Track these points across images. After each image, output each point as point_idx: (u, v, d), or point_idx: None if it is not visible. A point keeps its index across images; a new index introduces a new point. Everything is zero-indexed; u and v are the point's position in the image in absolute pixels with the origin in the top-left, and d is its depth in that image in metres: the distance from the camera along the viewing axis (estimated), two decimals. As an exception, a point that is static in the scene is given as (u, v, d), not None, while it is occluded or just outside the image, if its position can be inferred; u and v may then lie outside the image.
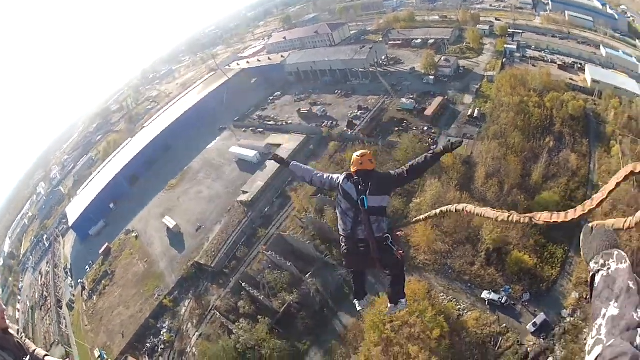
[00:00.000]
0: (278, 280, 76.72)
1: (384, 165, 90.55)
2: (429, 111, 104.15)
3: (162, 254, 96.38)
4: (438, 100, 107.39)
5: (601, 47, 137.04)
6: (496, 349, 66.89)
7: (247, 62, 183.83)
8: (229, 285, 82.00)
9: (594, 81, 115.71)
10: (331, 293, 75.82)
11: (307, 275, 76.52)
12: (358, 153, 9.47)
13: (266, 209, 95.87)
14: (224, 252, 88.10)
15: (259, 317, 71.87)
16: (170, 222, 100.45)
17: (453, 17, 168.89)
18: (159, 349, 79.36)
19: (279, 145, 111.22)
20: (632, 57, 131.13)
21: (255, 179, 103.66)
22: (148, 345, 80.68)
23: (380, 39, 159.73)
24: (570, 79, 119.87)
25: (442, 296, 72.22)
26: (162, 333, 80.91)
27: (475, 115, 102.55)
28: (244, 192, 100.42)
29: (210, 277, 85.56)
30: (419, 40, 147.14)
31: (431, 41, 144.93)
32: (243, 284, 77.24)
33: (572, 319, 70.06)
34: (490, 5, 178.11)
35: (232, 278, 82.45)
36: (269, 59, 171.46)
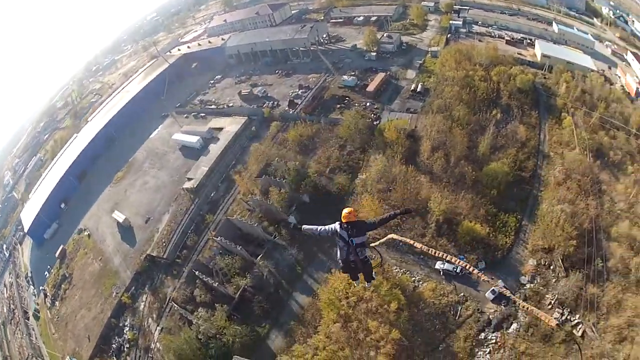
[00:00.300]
0: (230, 265, 74.39)
1: (326, 142, 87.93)
2: (371, 87, 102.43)
3: (115, 250, 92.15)
4: (380, 76, 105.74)
5: (553, 23, 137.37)
6: (456, 318, 66.56)
7: (188, 47, 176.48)
8: (182, 275, 79.38)
9: (544, 56, 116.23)
10: (284, 274, 74.08)
11: (259, 258, 74.58)
12: (346, 210, 14.91)
13: (212, 194, 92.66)
14: (175, 242, 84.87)
15: (216, 304, 69.64)
16: (119, 216, 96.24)
17: None
18: (125, 349, 76.57)
19: (221, 129, 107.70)
20: (587, 34, 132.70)
21: (199, 164, 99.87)
22: (114, 345, 77.76)
23: (322, 18, 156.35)
24: (519, 53, 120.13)
25: (396, 269, 70.97)
26: (125, 332, 78.08)
27: (418, 89, 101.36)
28: (189, 179, 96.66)
29: (164, 269, 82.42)
30: (361, 18, 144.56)
31: (374, 18, 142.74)
32: (196, 273, 74.69)
33: (532, 285, 70.46)
34: None
35: (185, 267, 79.87)
36: (210, 42, 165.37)
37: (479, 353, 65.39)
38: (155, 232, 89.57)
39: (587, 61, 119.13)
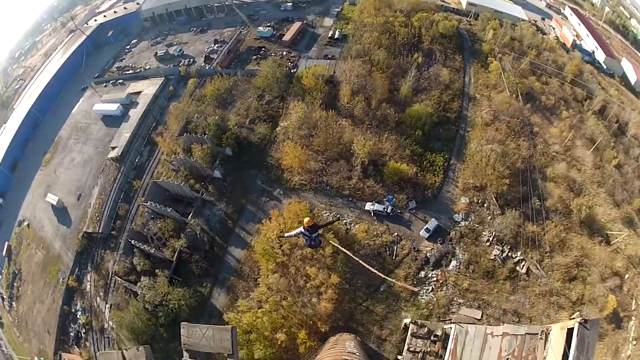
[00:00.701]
0: (163, 228, 69.07)
1: (244, 93, 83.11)
2: (287, 36, 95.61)
3: (54, 235, 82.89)
4: (296, 25, 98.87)
5: None
6: (393, 257, 63.78)
7: (104, 16, 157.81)
8: (120, 246, 73.20)
9: (469, 4, 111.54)
10: (216, 230, 69.38)
11: (189, 217, 69.27)
12: (306, 219, 24.12)
13: (137, 160, 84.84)
14: (107, 214, 77.44)
15: (156, 271, 64.91)
16: (52, 198, 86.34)
17: None
18: (82, 334, 69.89)
19: (139, 93, 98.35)
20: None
21: (121, 132, 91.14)
22: (72, 334, 70.71)
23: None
24: (443, 0, 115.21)
25: (326, 213, 66.83)
26: (78, 317, 71.16)
27: (336, 36, 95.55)
28: (113, 148, 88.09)
29: (102, 244, 75.52)
30: None
31: None
32: (132, 242, 69.24)
33: (466, 223, 68.33)
34: None
35: (121, 238, 73.61)
36: (125, 8, 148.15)
37: (422, 291, 63.01)
38: (88, 208, 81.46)
39: (517, 11, 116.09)
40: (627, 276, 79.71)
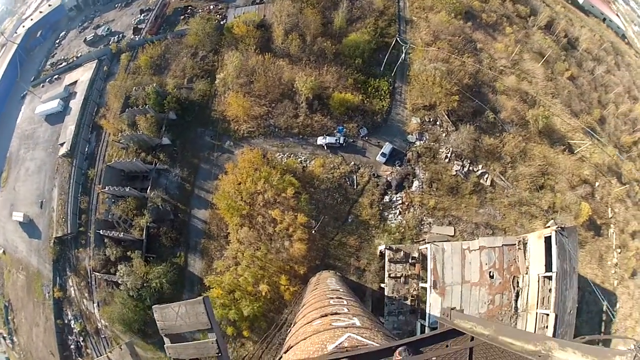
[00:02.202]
0: (126, 209, 69.26)
1: (177, 55, 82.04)
2: None
3: (29, 252, 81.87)
4: None
5: None
6: (355, 187, 64.40)
7: (31, 20, 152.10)
8: (90, 240, 72.77)
9: None
10: (176, 196, 69.49)
11: (148, 191, 69.11)
12: None
13: (86, 149, 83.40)
14: (71, 212, 76.74)
15: (129, 254, 65.20)
16: (18, 216, 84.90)
17: None
18: (81, 343, 70.31)
19: (75, 82, 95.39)
20: None
21: (66, 125, 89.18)
22: (72, 347, 70.86)
23: None
24: None
25: (279, 155, 67.14)
26: (73, 326, 71.30)
27: None
28: (62, 144, 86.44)
29: (73, 243, 74.95)
30: None
31: None
32: (101, 232, 68.78)
33: (422, 142, 68.85)
34: None
35: (90, 232, 73.20)
36: (50, 5, 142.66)
37: (390, 216, 64.10)
38: (52, 212, 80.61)
39: None
40: (597, 184, 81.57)
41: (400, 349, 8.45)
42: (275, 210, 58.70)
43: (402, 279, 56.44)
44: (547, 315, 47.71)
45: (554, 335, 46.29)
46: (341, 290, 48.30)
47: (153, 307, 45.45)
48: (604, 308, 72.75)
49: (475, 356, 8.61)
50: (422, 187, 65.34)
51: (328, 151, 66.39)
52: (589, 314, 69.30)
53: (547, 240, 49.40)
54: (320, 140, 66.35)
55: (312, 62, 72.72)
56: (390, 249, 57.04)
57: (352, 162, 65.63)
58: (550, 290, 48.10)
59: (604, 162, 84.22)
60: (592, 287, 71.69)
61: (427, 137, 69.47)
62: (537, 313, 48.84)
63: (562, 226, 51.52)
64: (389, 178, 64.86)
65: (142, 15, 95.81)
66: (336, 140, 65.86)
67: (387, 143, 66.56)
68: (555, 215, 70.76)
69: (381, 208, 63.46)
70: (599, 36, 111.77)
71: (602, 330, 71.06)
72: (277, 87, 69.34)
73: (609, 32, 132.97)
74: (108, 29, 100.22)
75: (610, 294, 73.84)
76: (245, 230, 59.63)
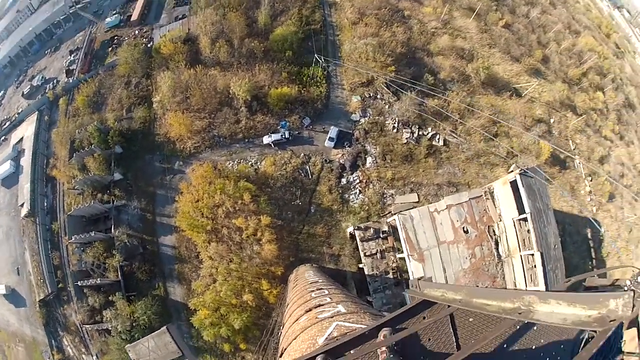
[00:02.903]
0: (96, 254, 68.45)
1: (112, 88, 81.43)
2: (134, 16, 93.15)
3: (20, 322, 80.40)
4: (140, 1, 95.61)
5: None
6: (310, 177, 64.77)
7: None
8: (71, 295, 72.04)
9: None
10: (140, 228, 69.21)
11: (112, 230, 68.62)
12: None
13: (45, 204, 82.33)
14: (47, 271, 76.13)
15: (111, 299, 65.05)
16: (0, 289, 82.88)
17: None
18: None
19: (22, 139, 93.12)
20: None
21: (21, 185, 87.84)
22: None
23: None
24: None
25: (230, 163, 67.23)
26: None
27: None
28: (22, 205, 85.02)
29: (57, 302, 74.15)
30: None
31: None
32: (79, 284, 68.50)
33: (366, 119, 69.34)
34: None
35: (69, 287, 72.39)
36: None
37: (351, 197, 64.54)
38: (30, 276, 79.73)
39: None
40: (552, 120, 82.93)
41: (385, 331, 8.32)
42: (238, 218, 58.61)
43: (379, 255, 57.36)
44: (532, 255, 48.69)
45: (544, 272, 47.86)
46: (320, 280, 48.62)
47: (126, 347, 45.90)
48: (589, 235, 74.37)
49: (458, 321, 8.28)
50: (376, 162, 65.93)
51: (276, 148, 66.61)
52: (575, 244, 70.99)
53: (514, 184, 50.50)
54: (266, 140, 66.55)
55: (244, 64, 72.80)
56: (359, 229, 57.93)
57: (302, 154, 65.94)
58: (528, 231, 49.15)
59: (555, 98, 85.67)
60: (570, 219, 73.25)
61: (371, 113, 70.00)
62: (521, 255, 49.84)
63: (525, 168, 52.54)
64: (341, 161, 65.34)
65: (72, 55, 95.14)
66: (281, 135, 66.14)
67: (332, 127, 67.05)
68: (515, 159, 71.87)
69: (340, 191, 63.98)
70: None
71: (594, 256, 72.79)
72: (214, 96, 69.30)
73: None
74: (42, 77, 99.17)
75: (592, 221, 75.60)
76: (214, 246, 59.64)
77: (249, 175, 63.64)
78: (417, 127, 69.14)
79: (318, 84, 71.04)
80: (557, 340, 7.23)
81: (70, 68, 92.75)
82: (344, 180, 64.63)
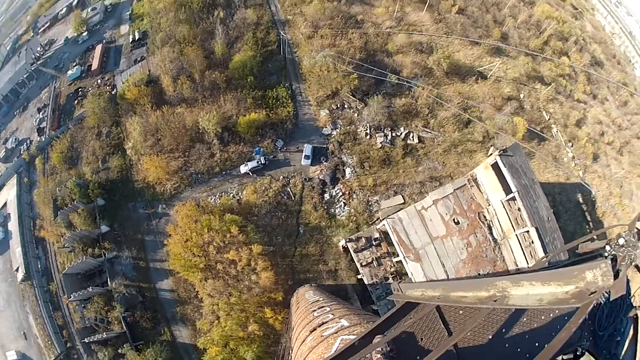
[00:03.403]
0: (97, 309, 67.31)
1: (84, 140, 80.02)
2: (94, 65, 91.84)
3: None
4: (98, 49, 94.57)
5: None
6: (293, 198, 63.93)
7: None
8: (80, 353, 70.07)
9: None
10: (135, 277, 68.01)
11: (109, 283, 67.57)
12: None
13: (39, 265, 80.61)
14: (52, 332, 74.12)
15: (120, 351, 63.51)
16: (11, 355, 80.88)
17: None
18: None
19: (5, 204, 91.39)
20: None
21: (13, 250, 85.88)
22: None
23: (32, 34, 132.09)
24: None
25: (212, 199, 66.18)
26: None
27: (137, 38, 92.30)
28: (17, 270, 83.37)
29: None
30: (64, 10, 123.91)
31: (75, 2, 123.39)
32: (86, 340, 66.67)
33: (338, 130, 68.88)
34: None
35: (77, 345, 70.49)
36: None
37: (337, 210, 63.82)
38: (37, 339, 77.63)
39: None
40: (522, 95, 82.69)
41: (377, 338, 8.20)
42: (230, 252, 57.58)
43: (375, 263, 56.55)
44: (528, 232, 48.19)
45: (543, 246, 47.46)
46: (321, 299, 48.00)
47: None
48: (581, 199, 74.14)
49: (448, 315, 8.28)
50: (356, 171, 65.33)
51: (254, 176, 65.74)
52: (568, 212, 70.83)
53: (495, 166, 49.98)
54: (243, 169, 65.73)
55: (208, 97, 72.07)
56: (350, 240, 57.05)
57: (281, 177, 65.19)
58: (519, 209, 48.66)
59: (521, 73, 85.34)
60: (559, 188, 72.98)
61: (341, 124, 69.50)
62: (516, 235, 49.36)
63: (503, 148, 51.96)
64: (320, 177, 64.70)
65: (41, 113, 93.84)
66: (257, 162, 65.39)
67: (306, 145, 66.44)
68: (493, 142, 71.51)
69: (326, 207, 63.24)
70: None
71: (589, 219, 72.55)
72: (184, 134, 68.47)
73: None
74: (15, 139, 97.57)
75: (580, 185, 75.34)
76: (210, 283, 58.53)
77: (232, 207, 62.75)
78: (389, 129, 68.54)
79: (284, 104, 70.50)
80: (559, 314, 7.37)
81: (41, 126, 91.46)
82: (327, 196, 63.90)
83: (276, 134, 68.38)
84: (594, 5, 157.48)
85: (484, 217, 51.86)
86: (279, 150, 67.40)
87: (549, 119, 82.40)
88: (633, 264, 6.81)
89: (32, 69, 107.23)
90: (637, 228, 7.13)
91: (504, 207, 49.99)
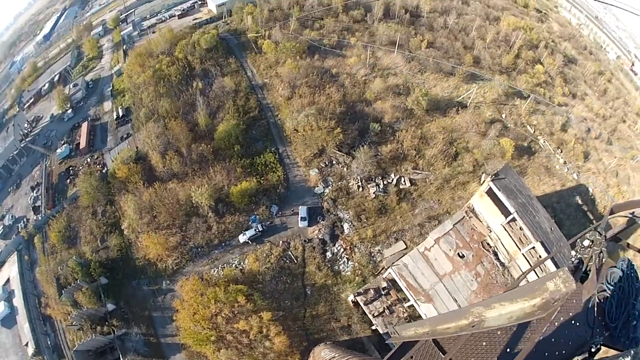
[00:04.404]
0: None
1: (80, 220, 77.04)
2: (82, 143, 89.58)
3: None
4: (84, 127, 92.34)
5: None
6: (295, 261, 61.66)
7: None
8: None
9: (219, 6, 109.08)
10: (147, 352, 64.50)
11: None
12: None
13: (49, 342, 75.91)
14: None
15: None
16: None
17: (70, 40, 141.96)
18: None
19: (8, 280, 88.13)
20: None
21: (21, 325, 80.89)
22: None
23: (18, 109, 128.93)
24: (195, 19, 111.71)
25: (214, 271, 63.40)
26: None
27: (121, 115, 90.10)
28: (27, 345, 78.19)
29: None
30: (47, 86, 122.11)
31: (56, 77, 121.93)
32: None
33: (330, 188, 67.37)
34: (100, 5, 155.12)
35: None
36: None
37: (341, 267, 61.76)
38: None
39: None
40: (504, 115, 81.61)
41: None
42: (240, 322, 55.24)
43: (387, 311, 54.96)
44: (534, 247, 46.66)
45: (552, 259, 45.74)
46: (337, 355, 46.39)
47: None
48: (579, 201, 73.09)
49: (446, 346, 8.71)
50: (354, 225, 63.66)
51: (254, 244, 63.66)
52: (570, 217, 69.81)
53: (490, 192, 48.51)
54: (242, 238, 63.74)
55: (197, 170, 70.38)
56: (359, 294, 55.61)
57: (280, 242, 63.22)
58: (520, 228, 47.26)
59: (499, 93, 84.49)
60: (556, 197, 72.01)
61: (332, 180, 68.13)
62: (523, 254, 47.96)
63: (494, 173, 50.60)
64: (319, 236, 62.97)
65: (34, 192, 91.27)
66: (255, 230, 63.53)
67: (300, 207, 64.99)
68: (483, 168, 70.25)
69: (329, 265, 61.25)
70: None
71: (592, 217, 71.91)
72: (179, 209, 66.32)
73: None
74: (12, 216, 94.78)
75: (579, 187, 74.76)
76: (224, 353, 55.69)
77: (236, 277, 60.57)
78: (380, 178, 67.31)
79: (274, 169, 69.24)
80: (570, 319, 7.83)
81: (36, 205, 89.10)
82: (329, 254, 61.91)
83: (270, 200, 66.69)
84: (557, 2, 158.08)
85: (488, 244, 50.59)
86: (274, 215, 65.66)
87: (534, 132, 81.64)
88: (604, 259, 7.53)
89: (22, 145, 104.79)
90: (599, 230, 7.69)
91: (505, 230, 48.73)
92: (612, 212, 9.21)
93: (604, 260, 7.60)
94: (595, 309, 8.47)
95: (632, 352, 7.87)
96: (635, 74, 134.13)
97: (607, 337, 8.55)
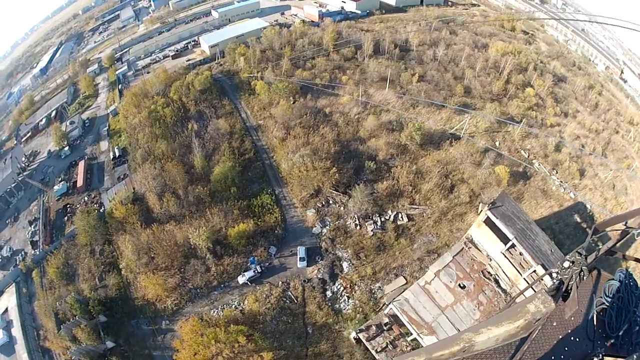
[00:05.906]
0: None
1: (78, 257, 74.82)
2: (79, 181, 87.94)
3: None
4: (81, 166, 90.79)
5: (212, 11, 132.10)
6: (296, 301, 59.92)
7: None
8: None
9: (211, 47, 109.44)
10: None
11: None
12: None
13: None
14: None
15: None
16: None
17: (66, 76, 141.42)
18: None
19: (7, 310, 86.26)
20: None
21: (19, 355, 77.65)
22: None
23: (15, 142, 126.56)
24: (188, 60, 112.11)
25: (214, 311, 61.19)
26: None
27: (117, 155, 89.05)
28: None
29: None
30: (43, 120, 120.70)
31: (53, 113, 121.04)
32: None
33: (328, 228, 66.09)
34: (95, 42, 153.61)
35: None
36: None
37: (342, 305, 60.00)
38: None
39: (255, 24, 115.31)
40: (497, 143, 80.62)
41: None
42: (244, 364, 54.00)
43: (390, 346, 53.09)
44: (535, 271, 44.95)
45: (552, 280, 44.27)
46: None
47: None
48: (578, 219, 72.01)
49: None
50: (353, 264, 62.08)
51: (253, 285, 61.80)
52: (570, 237, 68.55)
53: (488, 221, 47.06)
54: (241, 279, 61.95)
55: (195, 212, 68.82)
56: (361, 331, 53.81)
57: (280, 282, 61.42)
58: (520, 253, 45.80)
59: (491, 121, 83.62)
60: (554, 219, 70.94)
61: (330, 220, 66.85)
62: (524, 278, 46.33)
63: (491, 202, 49.32)
64: (319, 276, 61.33)
65: (32, 226, 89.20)
66: (254, 272, 61.82)
67: (299, 247, 63.57)
68: (480, 198, 69.08)
69: (330, 304, 59.37)
70: (424, 22, 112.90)
71: (591, 233, 70.08)
72: (177, 251, 64.29)
73: (430, 10, 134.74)
74: (10, 248, 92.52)
75: (576, 205, 73.96)
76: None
77: (237, 318, 58.44)
78: (377, 215, 66.07)
79: (270, 210, 68.02)
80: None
81: (34, 239, 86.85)
82: (329, 293, 60.11)
83: (268, 241, 65.07)
84: (543, 21, 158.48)
85: (489, 273, 49.12)
86: (273, 256, 64.02)
87: (528, 156, 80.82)
88: (585, 277, 7.70)
89: (19, 179, 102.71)
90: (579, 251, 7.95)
91: (505, 257, 47.29)
92: (595, 231, 9.02)
93: (584, 278, 7.77)
94: (595, 322, 8.73)
95: (634, 356, 8.33)
96: (625, 82, 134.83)
97: (610, 347, 8.69)
